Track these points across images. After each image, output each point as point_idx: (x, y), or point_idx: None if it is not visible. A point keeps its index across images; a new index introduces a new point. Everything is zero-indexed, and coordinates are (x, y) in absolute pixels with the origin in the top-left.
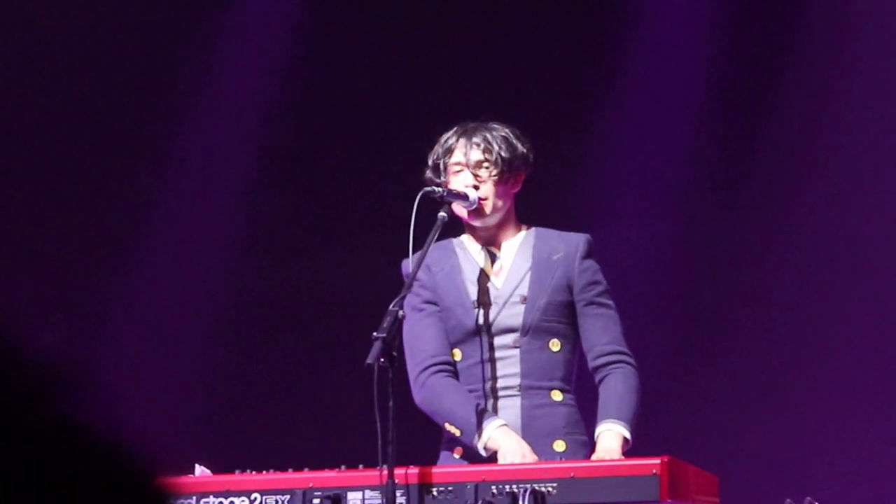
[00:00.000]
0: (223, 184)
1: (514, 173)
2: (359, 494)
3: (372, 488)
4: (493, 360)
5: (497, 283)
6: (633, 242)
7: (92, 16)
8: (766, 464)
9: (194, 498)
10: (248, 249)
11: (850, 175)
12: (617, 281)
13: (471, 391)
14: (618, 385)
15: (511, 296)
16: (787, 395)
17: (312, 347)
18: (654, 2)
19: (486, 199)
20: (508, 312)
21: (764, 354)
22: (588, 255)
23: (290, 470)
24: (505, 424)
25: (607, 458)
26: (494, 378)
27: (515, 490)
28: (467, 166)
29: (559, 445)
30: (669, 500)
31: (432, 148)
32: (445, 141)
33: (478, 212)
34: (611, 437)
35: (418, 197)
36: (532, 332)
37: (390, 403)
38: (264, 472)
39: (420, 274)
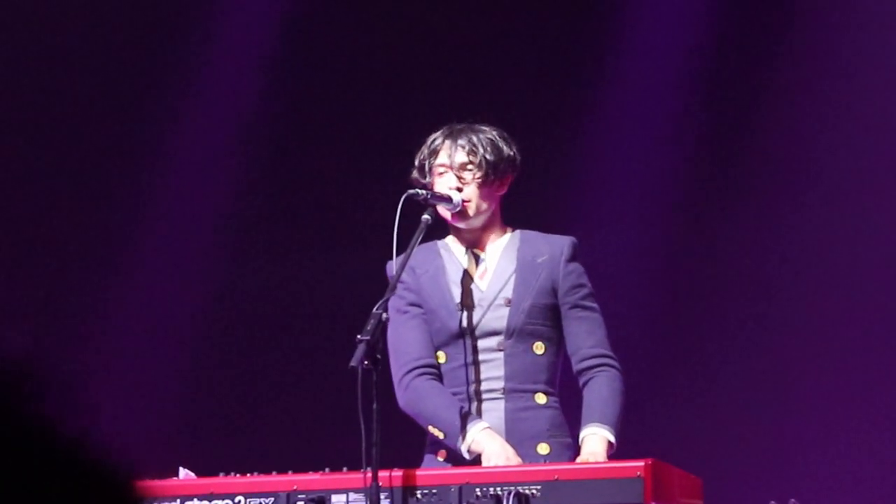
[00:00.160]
0: (216, 184)
1: (500, 176)
2: (343, 497)
3: (356, 491)
4: (476, 363)
5: (481, 286)
6: (619, 245)
7: (88, 15)
8: (750, 466)
9: (178, 501)
10: (229, 252)
11: (839, 179)
12: (602, 284)
13: (455, 394)
14: (602, 388)
15: (495, 298)
16: (771, 397)
17: (296, 351)
18: (641, 3)
19: (469, 201)
20: (493, 315)
21: (747, 357)
22: (573, 257)
23: (274, 472)
24: (489, 427)
25: (592, 461)
26: (478, 381)
27: (499, 492)
28: (452, 168)
29: (543, 448)
30: (653, 503)
31: (419, 148)
32: (431, 142)
33: (461, 214)
34: (595, 440)
35: (402, 199)
36: (516, 334)
37: (374, 406)
38: (248, 474)
39: (404, 276)
